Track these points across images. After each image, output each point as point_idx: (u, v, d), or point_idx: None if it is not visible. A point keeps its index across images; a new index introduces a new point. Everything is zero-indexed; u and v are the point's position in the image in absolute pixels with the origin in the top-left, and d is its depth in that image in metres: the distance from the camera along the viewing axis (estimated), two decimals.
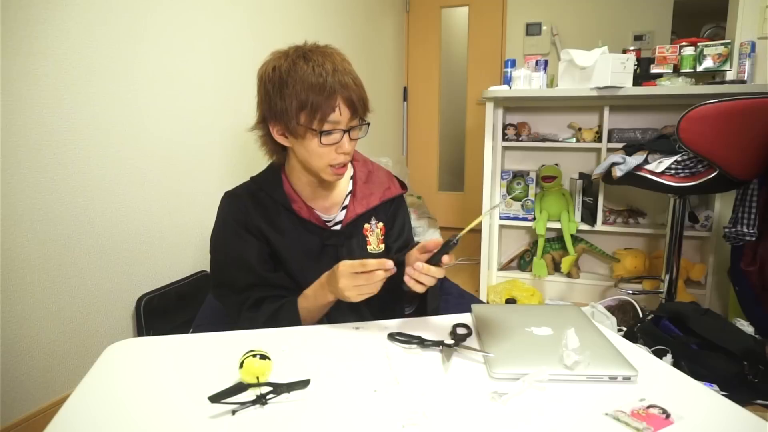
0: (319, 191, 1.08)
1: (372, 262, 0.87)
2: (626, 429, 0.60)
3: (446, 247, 0.86)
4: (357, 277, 0.88)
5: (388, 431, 0.61)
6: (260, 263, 1.04)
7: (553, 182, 2.72)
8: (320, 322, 1.02)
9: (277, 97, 0.96)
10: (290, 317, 0.99)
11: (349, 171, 1.14)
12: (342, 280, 0.89)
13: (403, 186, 1.18)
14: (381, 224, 1.12)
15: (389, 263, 0.87)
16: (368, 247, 1.11)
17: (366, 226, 1.11)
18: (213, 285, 1.13)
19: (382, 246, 1.12)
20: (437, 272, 0.87)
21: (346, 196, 1.11)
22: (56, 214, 1.44)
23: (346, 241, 1.09)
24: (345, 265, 0.90)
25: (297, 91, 0.93)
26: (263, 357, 0.70)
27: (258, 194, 1.08)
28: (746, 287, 2.07)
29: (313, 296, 1.00)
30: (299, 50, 0.97)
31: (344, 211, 1.10)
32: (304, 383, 0.69)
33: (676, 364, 1.75)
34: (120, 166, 1.63)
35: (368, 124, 1.01)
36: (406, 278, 0.89)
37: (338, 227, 1.09)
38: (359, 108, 0.96)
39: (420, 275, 0.87)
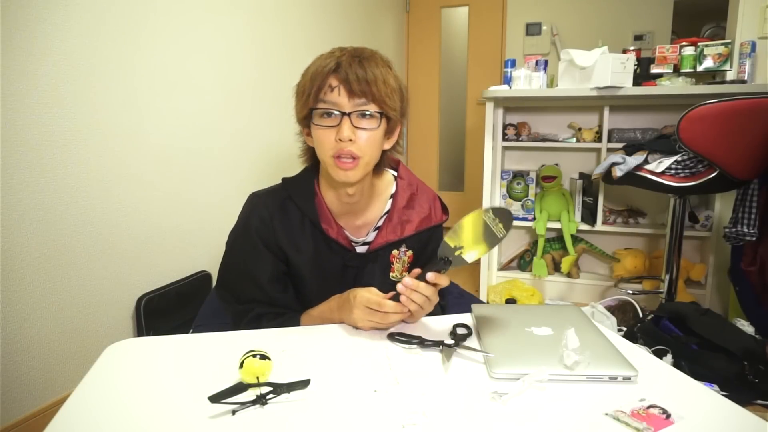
0: (349, 207, 1.01)
1: (390, 305, 0.86)
2: (626, 429, 0.60)
3: (437, 265, 0.85)
4: (372, 313, 0.87)
5: (388, 431, 0.61)
6: (270, 282, 1.00)
7: (553, 182, 2.72)
8: None
9: (297, 91, 0.95)
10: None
11: (390, 188, 1.07)
12: (356, 312, 0.88)
13: (445, 211, 1.10)
14: (410, 252, 1.06)
15: (406, 310, 0.86)
16: (391, 274, 1.05)
17: (394, 252, 1.04)
18: (217, 284, 1.10)
19: (405, 274, 1.04)
20: (425, 289, 0.85)
21: (381, 217, 1.05)
22: (56, 214, 1.44)
23: (369, 264, 1.04)
24: (362, 298, 0.87)
25: (305, 77, 0.92)
26: (263, 357, 0.70)
27: (286, 204, 1.01)
28: (746, 287, 2.07)
29: (319, 318, 0.98)
30: (334, 48, 0.95)
31: (375, 232, 1.04)
32: (304, 383, 0.68)
33: (676, 364, 1.75)
34: (120, 166, 1.63)
35: (381, 113, 0.91)
36: (402, 299, 0.86)
37: (365, 248, 1.04)
38: (357, 88, 0.88)
39: (411, 292, 0.85)
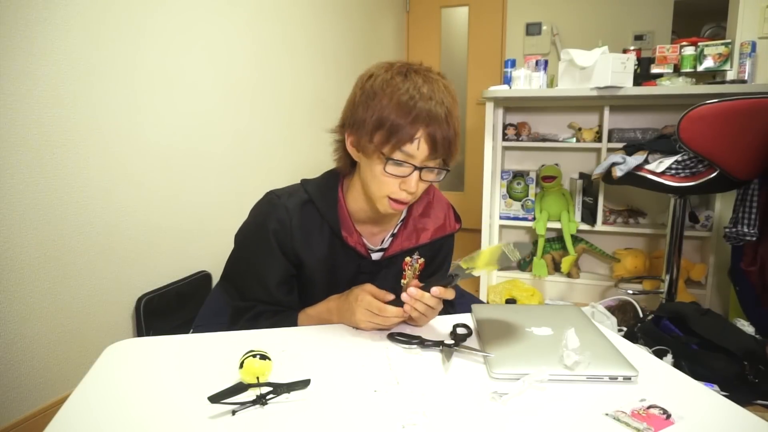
0: (371, 216, 1.01)
1: (390, 311, 0.86)
2: (627, 429, 0.60)
3: (445, 279, 0.85)
4: (374, 316, 0.87)
5: (388, 431, 0.61)
6: (278, 285, 0.99)
7: (553, 182, 2.72)
8: None
9: (361, 106, 0.89)
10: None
11: None
12: (358, 315, 0.88)
13: (458, 219, 1.10)
14: (422, 260, 1.06)
15: (406, 315, 0.87)
16: (402, 281, 1.05)
17: (407, 259, 1.05)
18: (223, 276, 1.10)
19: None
20: (430, 299, 0.85)
21: (397, 224, 1.05)
22: (56, 214, 1.44)
23: (383, 270, 1.04)
24: (364, 301, 0.88)
25: (382, 105, 0.85)
26: (263, 357, 0.70)
27: (306, 208, 0.99)
28: (747, 287, 2.07)
29: (316, 318, 0.98)
30: (404, 66, 0.89)
31: (391, 238, 1.04)
32: (304, 383, 0.68)
33: (676, 364, 1.75)
34: (119, 166, 1.63)
35: (447, 170, 0.92)
36: (406, 307, 0.86)
37: (379, 254, 1.04)
38: (441, 149, 0.86)
39: (415, 302, 0.85)
